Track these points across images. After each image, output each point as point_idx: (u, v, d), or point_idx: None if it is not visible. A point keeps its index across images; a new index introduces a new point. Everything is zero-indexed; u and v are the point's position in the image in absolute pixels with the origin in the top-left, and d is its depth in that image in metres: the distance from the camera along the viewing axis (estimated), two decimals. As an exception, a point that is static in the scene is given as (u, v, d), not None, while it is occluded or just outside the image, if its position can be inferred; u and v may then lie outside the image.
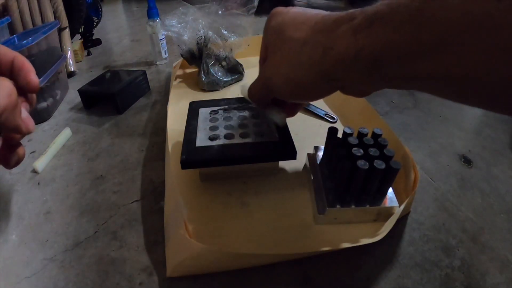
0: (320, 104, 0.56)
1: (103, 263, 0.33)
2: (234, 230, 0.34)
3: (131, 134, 0.54)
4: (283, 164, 0.42)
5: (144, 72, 0.67)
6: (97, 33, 1.05)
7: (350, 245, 0.30)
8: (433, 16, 0.16)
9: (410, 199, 0.33)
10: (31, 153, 0.50)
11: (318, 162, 0.39)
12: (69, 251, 0.34)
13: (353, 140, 0.34)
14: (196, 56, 0.65)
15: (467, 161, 0.45)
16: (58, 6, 0.80)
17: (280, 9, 0.29)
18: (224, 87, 0.65)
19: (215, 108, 0.44)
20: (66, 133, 0.53)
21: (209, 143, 0.37)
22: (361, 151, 0.32)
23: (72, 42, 0.86)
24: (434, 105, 0.59)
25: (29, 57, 0.55)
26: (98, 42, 1.03)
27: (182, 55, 0.65)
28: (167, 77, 0.76)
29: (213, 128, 0.40)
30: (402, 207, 0.32)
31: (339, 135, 0.36)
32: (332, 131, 0.37)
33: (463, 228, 0.35)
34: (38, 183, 0.44)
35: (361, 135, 0.36)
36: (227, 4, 0.64)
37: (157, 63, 0.84)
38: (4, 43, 0.58)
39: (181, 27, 0.62)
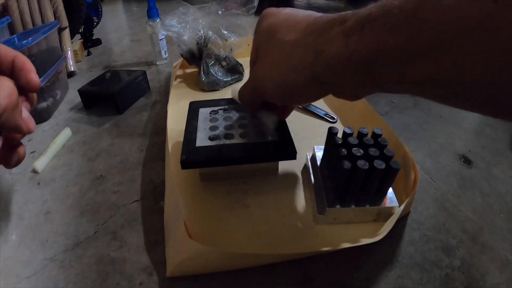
0: (320, 104, 0.56)
1: (103, 263, 0.33)
2: (234, 230, 0.34)
3: (131, 134, 0.54)
4: (283, 164, 0.42)
5: (144, 72, 0.67)
6: (97, 33, 1.05)
7: (350, 245, 0.30)
8: (429, 19, 0.15)
9: (410, 199, 0.33)
10: (31, 153, 0.50)
11: (318, 162, 0.39)
12: (69, 251, 0.34)
13: (353, 140, 0.34)
14: (196, 56, 0.65)
15: (467, 161, 0.45)
16: (58, 6, 0.80)
17: (272, 10, 0.28)
18: (224, 87, 0.65)
19: (215, 108, 0.44)
20: (66, 133, 0.53)
21: (209, 143, 0.37)
22: (361, 151, 0.32)
23: (72, 42, 0.86)
24: (434, 105, 0.59)
25: (29, 57, 0.54)
26: (98, 42, 1.03)
27: (182, 55, 0.65)
28: (167, 77, 0.76)
29: (213, 128, 0.40)
30: (402, 207, 0.32)
31: (339, 135, 0.36)
32: (332, 131, 0.37)
33: (463, 228, 0.35)
34: (38, 183, 0.44)
35: (361, 135, 0.36)
36: (227, 4, 0.63)
37: (157, 63, 0.84)
38: (4, 43, 0.57)
39: (181, 27, 0.62)
